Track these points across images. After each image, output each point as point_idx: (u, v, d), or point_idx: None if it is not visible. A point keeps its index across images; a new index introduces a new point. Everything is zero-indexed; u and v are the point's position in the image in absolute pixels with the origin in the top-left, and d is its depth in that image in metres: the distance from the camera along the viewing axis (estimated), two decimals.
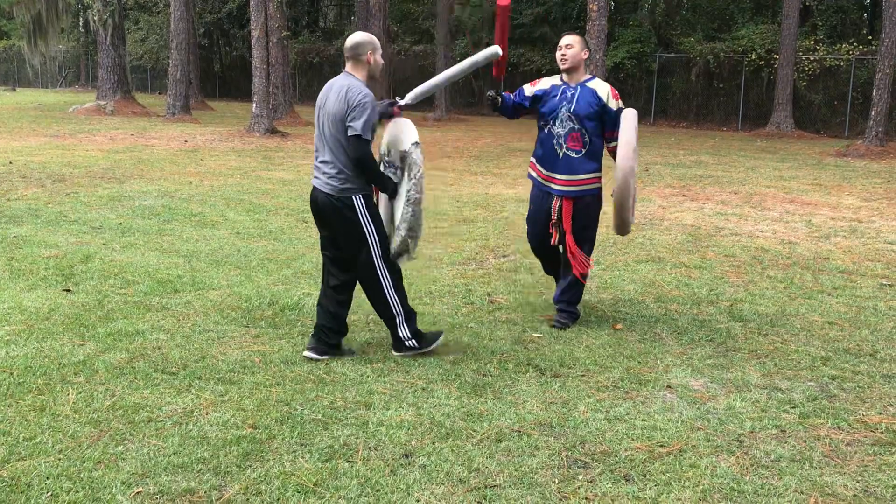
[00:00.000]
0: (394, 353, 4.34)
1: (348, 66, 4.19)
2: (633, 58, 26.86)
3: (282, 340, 4.53)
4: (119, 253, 6.53)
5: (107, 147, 14.79)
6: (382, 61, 4.25)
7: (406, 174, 4.18)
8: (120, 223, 7.74)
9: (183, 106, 22.74)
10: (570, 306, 4.98)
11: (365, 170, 4.09)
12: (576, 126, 4.83)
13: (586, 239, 4.97)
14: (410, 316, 4.31)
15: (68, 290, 5.42)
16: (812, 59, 23.91)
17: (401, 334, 4.28)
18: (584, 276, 4.97)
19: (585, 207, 4.91)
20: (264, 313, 5.02)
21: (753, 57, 24.76)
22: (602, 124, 4.87)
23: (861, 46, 23.89)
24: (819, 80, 24.15)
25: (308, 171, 12.12)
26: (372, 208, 4.20)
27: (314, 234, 7.41)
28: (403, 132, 4.24)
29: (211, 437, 3.31)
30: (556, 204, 4.90)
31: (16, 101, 30.39)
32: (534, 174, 5.06)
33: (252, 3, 18.37)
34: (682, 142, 19.85)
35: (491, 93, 4.96)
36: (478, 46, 30.76)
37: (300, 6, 38.17)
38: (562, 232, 4.92)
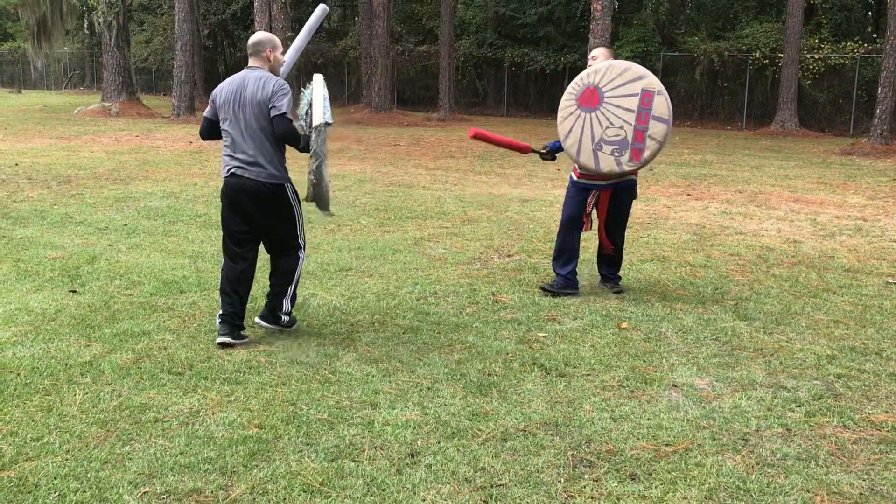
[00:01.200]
0: (257, 320, 4.68)
1: (251, 61, 4.52)
2: (638, 57, 26.81)
3: (287, 340, 4.54)
4: (125, 254, 6.55)
5: (112, 148, 14.83)
6: (283, 58, 4.62)
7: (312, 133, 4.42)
8: (125, 224, 7.76)
9: (188, 107, 22.80)
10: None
11: (292, 143, 4.42)
12: None
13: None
14: (295, 298, 4.70)
15: (74, 291, 5.44)
16: (816, 57, 23.86)
17: (285, 307, 4.62)
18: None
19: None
20: (256, 323, 5.02)
21: (758, 55, 24.73)
22: None
23: (866, 44, 23.84)
24: (824, 79, 24.10)
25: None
26: (296, 195, 4.59)
27: (319, 234, 7.43)
28: (316, 102, 4.42)
29: (217, 437, 3.32)
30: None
31: (21, 103, 30.49)
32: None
33: (256, 4, 18.42)
34: (687, 141, 19.82)
35: (542, 151, 5.96)
36: (481, 47, 30.80)
37: (304, 7, 38.23)
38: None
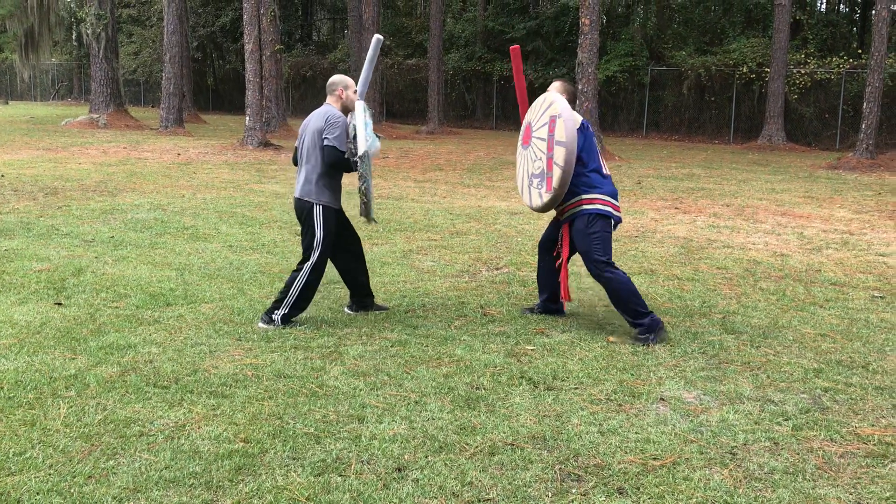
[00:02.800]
0: (260, 324, 5.05)
1: (328, 99, 5.22)
2: (626, 71, 27.02)
3: (274, 353, 4.51)
4: (111, 266, 6.51)
5: (99, 160, 14.78)
6: (355, 96, 5.20)
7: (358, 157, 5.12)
8: (112, 236, 7.72)
9: (176, 119, 22.76)
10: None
11: (341, 169, 5.06)
12: None
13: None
14: (293, 312, 5.04)
15: (60, 304, 5.40)
16: (803, 72, 24.08)
17: (280, 311, 5.00)
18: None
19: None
20: (257, 326, 5.01)
21: (745, 70, 24.93)
22: None
23: (851, 60, 24.09)
24: (810, 94, 24.33)
25: None
26: (328, 220, 5.05)
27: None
28: (360, 130, 5.07)
29: (203, 452, 3.29)
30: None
31: (8, 114, 30.36)
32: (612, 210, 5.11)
33: (245, 16, 18.42)
34: (674, 155, 19.93)
35: None
36: (470, 60, 30.92)
37: (293, 20, 38.31)
38: None
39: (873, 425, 3.72)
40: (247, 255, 7.12)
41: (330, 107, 5.12)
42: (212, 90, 39.35)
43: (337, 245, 5.28)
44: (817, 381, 4.29)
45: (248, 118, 18.38)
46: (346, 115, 5.15)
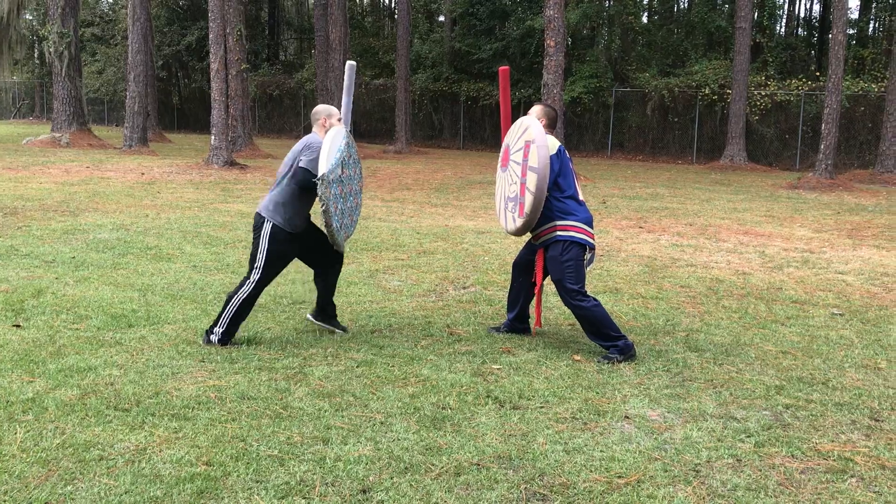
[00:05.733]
0: (202, 341, 5.07)
1: (313, 129, 5.30)
2: (590, 92, 27.34)
3: (238, 375, 4.46)
4: (72, 287, 6.41)
5: (61, 179, 14.56)
6: (339, 124, 5.26)
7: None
8: (73, 257, 7.60)
9: (140, 138, 22.52)
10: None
11: (309, 192, 5.05)
12: None
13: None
14: (231, 330, 5.04)
15: (18, 326, 5.29)
16: (763, 93, 24.56)
17: (218, 329, 5.01)
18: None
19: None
20: (220, 348, 4.95)
21: (707, 91, 25.37)
22: None
23: (810, 82, 24.64)
24: (770, 115, 24.81)
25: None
26: (274, 239, 5.02)
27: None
28: (323, 153, 4.95)
29: (164, 475, 3.24)
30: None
31: None
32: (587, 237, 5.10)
33: (211, 35, 18.35)
34: (639, 174, 20.17)
35: None
36: (437, 81, 31.07)
37: (260, 39, 38.23)
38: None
39: (833, 441, 3.78)
40: (211, 275, 7.05)
41: (314, 135, 5.16)
42: (177, 109, 39.07)
43: (312, 259, 5.33)
44: (779, 397, 4.34)
45: (213, 137, 18.25)
46: None
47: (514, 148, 5.25)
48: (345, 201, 5.13)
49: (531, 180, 4.91)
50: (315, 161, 4.95)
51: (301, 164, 4.97)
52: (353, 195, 5.28)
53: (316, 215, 5.31)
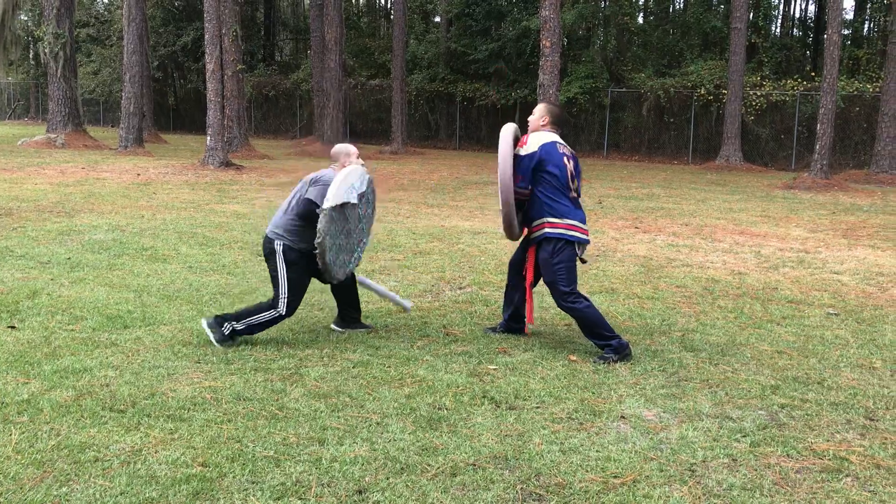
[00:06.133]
0: (204, 323, 5.07)
1: (331, 166, 5.34)
2: (586, 93, 27.36)
3: (234, 376, 4.46)
4: (67, 288, 6.40)
5: (57, 180, 14.54)
6: (358, 161, 5.34)
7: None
8: (69, 258, 7.59)
9: (136, 139, 22.49)
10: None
11: (309, 223, 5.05)
12: None
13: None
14: (243, 333, 5.04)
15: (13, 327, 5.28)
16: (759, 94, 24.61)
17: (234, 325, 5.01)
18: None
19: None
20: (216, 349, 4.94)
21: (702, 92, 25.41)
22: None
23: (805, 82, 24.68)
24: (766, 115, 24.86)
25: (263, 202, 12.04)
26: (287, 256, 5.06)
27: (266, 268, 7.33)
28: (332, 187, 4.98)
29: (160, 477, 3.24)
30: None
31: None
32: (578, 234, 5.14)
33: (207, 36, 18.33)
34: (634, 175, 20.19)
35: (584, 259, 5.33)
36: (433, 81, 31.05)
37: (256, 40, 38.21)
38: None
39: (828, 440, 3.79)
40: (207, 276, 7.04)
41: (329, 170, 5.23)
42: (173, 109, 39.01)
43: (324, 278, 5.30)
44: (774, 397, 4.35)
45: (209, 138, 18.23)
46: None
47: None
48: (347, 238, 5.13)
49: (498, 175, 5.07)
50: (322, 192, 5.00)
51: (307, 195, 5.04)
52: (357, 233, 5.29)
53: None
